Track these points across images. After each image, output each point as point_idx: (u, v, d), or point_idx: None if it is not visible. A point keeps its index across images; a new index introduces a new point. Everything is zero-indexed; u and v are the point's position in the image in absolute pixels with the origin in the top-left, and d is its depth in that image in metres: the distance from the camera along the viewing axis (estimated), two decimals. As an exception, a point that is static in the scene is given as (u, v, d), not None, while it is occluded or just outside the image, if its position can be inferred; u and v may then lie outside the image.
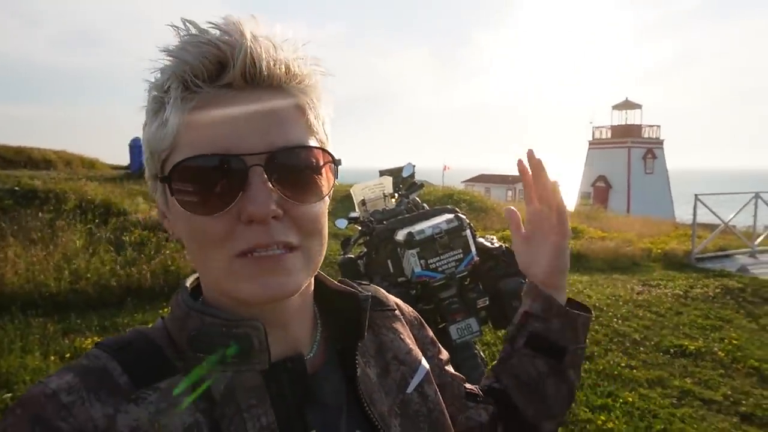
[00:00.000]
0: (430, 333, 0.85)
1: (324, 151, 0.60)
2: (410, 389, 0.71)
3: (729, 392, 4.24)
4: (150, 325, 0.65)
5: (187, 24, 0.56)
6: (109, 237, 6.95)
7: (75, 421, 0.51)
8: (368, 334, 0.71)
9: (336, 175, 0.62)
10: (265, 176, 0.54)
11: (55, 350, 4.31)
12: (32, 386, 0.55)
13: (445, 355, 0.85)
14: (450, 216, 3.23)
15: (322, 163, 0.60)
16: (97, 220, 7.34)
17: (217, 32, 0.55)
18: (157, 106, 0.57)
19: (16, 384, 3.69)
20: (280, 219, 0.55)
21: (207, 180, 0.54)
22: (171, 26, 0.57)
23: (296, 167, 0.57)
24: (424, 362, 0.76)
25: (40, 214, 7.12)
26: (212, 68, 0.55)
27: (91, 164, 15.85)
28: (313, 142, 0.59)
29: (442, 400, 0.74)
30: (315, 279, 0.69)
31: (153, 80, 0.58)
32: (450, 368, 0.85)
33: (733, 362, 4.87)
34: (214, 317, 0.59)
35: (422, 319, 0.85)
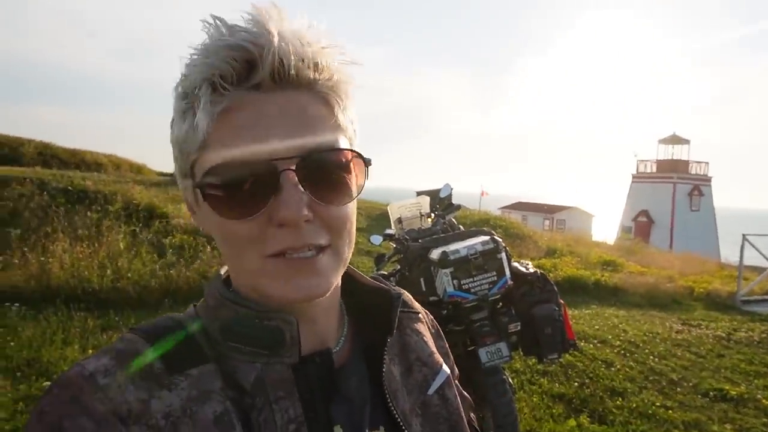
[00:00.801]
0: (446, 345, 0.84)
1: (353, 151, 0.60)
2: (431, 391, 0.72)
3: (772, 443, 4.02)
4: (182, 313, 0.66)
5: (217, 21, 0.56)
6: (151, 239, 7.18)
7: (111, 404, 0.52)
8: (394, 332, 0.71)
9: (367, 176, 0.62)
10: (297, 180, 0.54)
11: (94, 344, 4.46)
12: (70, 367, 0.56)
13: (456, 372, 0.85)
14: (486, 238, 3.22)
15: (352, 164, 0.59)
16: (140, 223, 7.60)
17: (245, 32, 0.54)
18: (185, 107, 0.57)
19: (55, 374, 3.83)
20: (311, 221, 0.56)
21: (238, 185, 0.55)
22: (202, 22, 0.56)
23: (327, 169, 0.57)
24: (446, 367, 0.76)
25: (88, 213, 7.43)
26: (241, 70, 0.54)
27: (138, 169, 16.47)
28: (342, 141, 0.59)
29: (461, 406, 0.74)
30: (345, 274, 0.69)
31: (181, 79, 0.57)
32: (459, 387, 0.84)
33: (777, 411, 4.62)
34: (248, 308, 0.60)
35: (440, 331, 0.85)
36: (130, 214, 7.81)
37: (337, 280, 0.61)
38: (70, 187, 8.47)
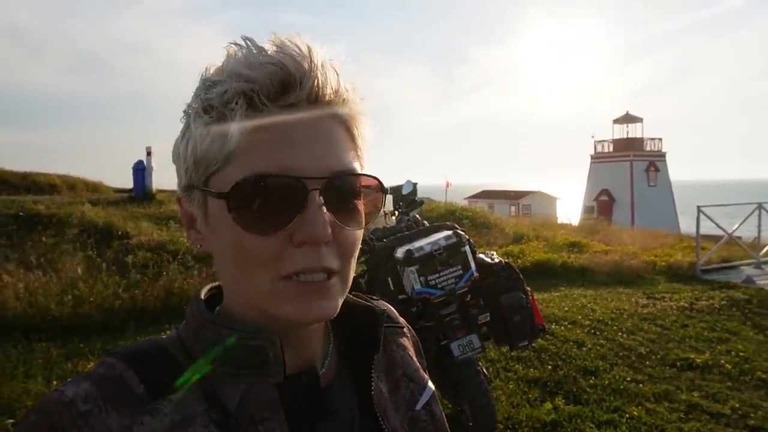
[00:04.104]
0: (425, 363, 0.85)
1: (376, 178, 0.62)
2: (419, 406, 0.72)
3: (737, 405, 4.18)
4: (164, 336, 0.65)
5: (248, 42, 0.57)
6: (112, 260, 6.96)
7: (91, 431, 0.51)
8: (380, 349, 0.72)
9: (384, 203, 0.64)
10: (323, 200, 0.55)
11: (59, 375, 4.30)
12: (49, 393, 0.55)
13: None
14: (449, 233, 3.23)
15: (374, 190, 0.62)
16: (99, 244, 7.37)
17: (283, 53, 0.55)
18: (209, 120, 0.56)
19: (18, 410, 3.67)
20: (328, 244, 0.56)
21: (266, 199, 0.55)
22: (233, 44, 0.58)
23: (348, 193, 0.58)
24: (430, 384, 0.76)
25: (43, 238, 7.16)
26: (278, 87, 0.55)
27: (95, 188, 15.95)
28: (358, 167, 0.61)
29: (446, 421, 0.74)
30: None
31: (204, 94, 0.57)
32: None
33: (740, 375, 4.81)
34: (230, 329, 0.59)
35: (421, 347, 0.85)
36: (88, 235, 7.56)
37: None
38: (21, 213, 8.14)
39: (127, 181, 13.15)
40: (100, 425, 0.52)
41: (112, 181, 17.05)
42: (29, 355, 4.62)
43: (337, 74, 0.59)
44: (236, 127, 0.55)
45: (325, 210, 0.55)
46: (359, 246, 0.62)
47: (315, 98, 0.57)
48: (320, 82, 0.57)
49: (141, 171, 12.32)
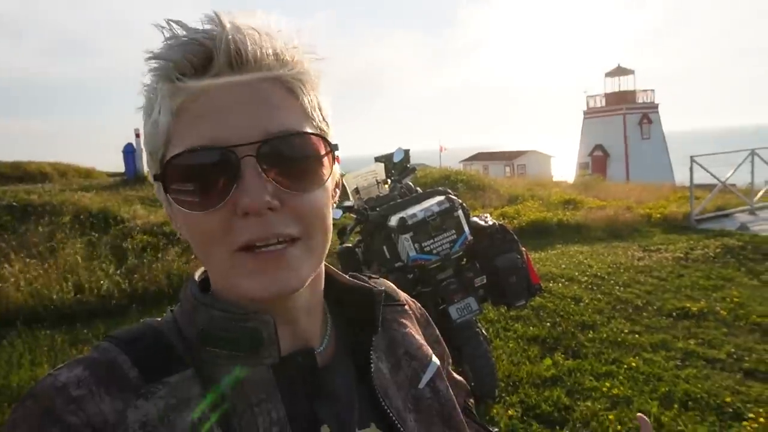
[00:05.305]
0: (436, 331, 0.83)
1: (319, 136, 0.58)
2: (422, 384, 0.70)
3: (732, 350, 4.27)
4: (159, 318, 0.64)
5: (172, 24, 0.56)
6: (110, 245, 6.97)
7: (84, 415, 0.51)
8: (380, 329, 0.70)
9: (334, 161, 0.60)
10: (259, 167, 0.52)
11: (64, 360, 4.32)
12: (42, 378, 0.55)
13: (448, 356, 0.84)
14: (441, 198, 3.24)
15: (319, 150, 0.57)
16: (96, 230, 7.36)
17: (200, 29, 0.54)
18: (148, 106, 0.57)
19: (28, 397, 3.74)
20: (277, 211, 0.53)
21: (199, 175, 0.53)
22: (156, 26, 0.56)
23: (291, 155, 0.55)
24: (435, 358, 0.75)
25: (39, 228, 7.15)
26: (197, 62, 0.54)
27: (87, 173, 15.83)
28: (307, 128, 0.57)
29: (453, 396, 0.73)
30: (325, 274, 0.68)
31: (144, 82, 0.57)
32: (453, 373, 0.84)
33: (735, 320, 4.90)
34: (222, 311, 0.58)
35: (429, 317, 0.84)
36: (83, 222, 7.55)
37: (313, 275, 0.59)
38: (14, 203, 8.10)
39: (119, 165, 13.05)
40: (94, 409, 0.52)
41: (106, 166, 16.92)
42: (34, 343, 4.68)
43: (269, 36, 0.56)
44: (161, 110, 0.55)
45: (264, 176, 0.53)
46: (326, 209, 0.59)
47: (237, 63, 0.54)
48: (239, 47, 0.54)
49: (131, 154, 12.21)
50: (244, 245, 0.54)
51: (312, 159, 0.57)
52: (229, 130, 0.53)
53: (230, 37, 0.53)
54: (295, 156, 0.55)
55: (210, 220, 0.54)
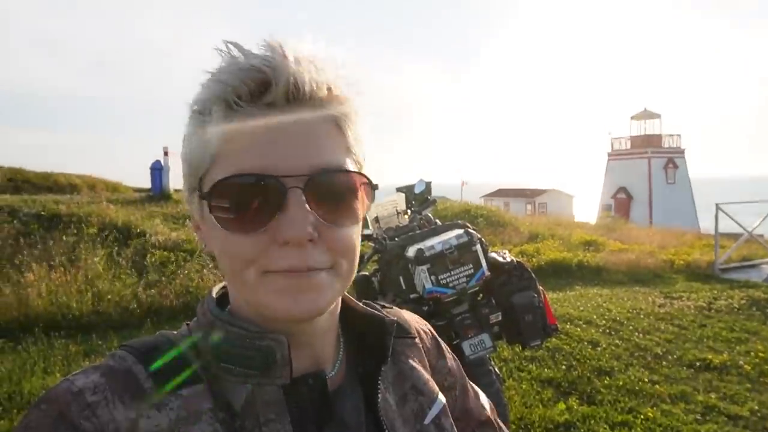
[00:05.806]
0: (450, 362, 0.83)
1: (361, 174, 0.60)
2: (427, 420, 0.70)
3: (756, 407, 4.11)
4: (175, 332, 0.66)
5: (230, 46, 0.57)
6: (131, 258, 7.08)
7: (98, 422, 0.52)
8: (389, 360, 0.71)
9: (372, 199, 0.62)
10: (304, 198, 0.54)
11: (76, 371, 4.39)
12: (59, 382, 0.56)
13: (463, 383, 0.85)
14: (460, 231, 3.23)
15: (359, 187, 0.60)
16: (118, 243, 7.49)
17: (260, 55, 0.56)
18: (198, 123, 0.58)
19: (38, 405, 3.75)
20: (315, 242, 0.55)
21: (245, 199, 0.55)
22: (216, 49, 0.58)
23: (334, 190, 0.57)
24: (441, 396, 0.75)
25: (63, 237, 7.30)
26: (255, 88, 0.55)
27: (114, 188, 16.21)
28: (350, 163, 0.60)
29: None
30: (341, 300, 0.69)
31: (194, 99, 0.59)
32: (470, 398, 0.85)
33: (760, 376, 4.72)
34: (239, 328, 0.59)
35: (441, 346, 0.83)
36: (107, 234, 7.69)
37: (336, 300, 0.61)
38: (42, 212, 8.30)
39: (145, 181, 13.34)
40: (107, 416, 0.53)
41: (132, 181, 17.32)
42: (48, 351, 4.72)
43: (323, 70, 0.58)
44: (214, 131, 0.56)
45: (308, 208, 0.55)
46: (357, 242, 0.61)
47: (294, 96, 0.56)
48: (297, 80, 0.55)
49: (158, 171, 12.47)
50: (278, 271, 0.55)
51: (351, 195, 0.59)
52: (278, 159, 0.55)
53: (290, 68, 0.55)
54: (337, 191, 0.58)
55: (248, 243, 0.55)
